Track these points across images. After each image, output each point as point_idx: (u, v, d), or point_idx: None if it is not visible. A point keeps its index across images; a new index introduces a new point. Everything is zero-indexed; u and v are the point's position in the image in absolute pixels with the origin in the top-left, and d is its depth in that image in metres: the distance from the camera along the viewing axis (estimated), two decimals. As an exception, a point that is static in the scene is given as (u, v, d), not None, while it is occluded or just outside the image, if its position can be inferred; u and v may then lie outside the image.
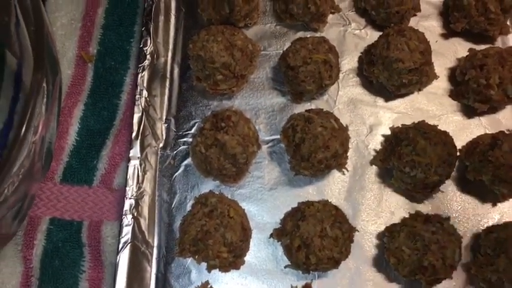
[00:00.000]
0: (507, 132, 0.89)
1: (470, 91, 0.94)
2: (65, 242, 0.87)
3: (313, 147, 0.85)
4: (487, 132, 0.95)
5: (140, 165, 0.90)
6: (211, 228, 0.81)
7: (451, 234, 0.82)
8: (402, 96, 0.98)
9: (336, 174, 0.92)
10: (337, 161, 0.88)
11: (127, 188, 0.87)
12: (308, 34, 1.01)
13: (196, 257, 0.83)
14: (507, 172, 0.85)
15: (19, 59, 0.88)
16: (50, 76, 0.76)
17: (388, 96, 0.98)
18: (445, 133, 0.88)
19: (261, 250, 0.88)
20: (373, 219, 0.90)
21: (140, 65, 0.95)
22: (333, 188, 0.92)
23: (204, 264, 0.85)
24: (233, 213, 0.83)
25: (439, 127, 0.90)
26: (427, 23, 1.03)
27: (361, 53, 1.00)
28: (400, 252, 0.82)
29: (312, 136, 0.85)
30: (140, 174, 0.89)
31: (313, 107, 0.95)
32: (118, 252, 0.83)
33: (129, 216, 0.86)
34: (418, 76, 0.93)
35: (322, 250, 0.80)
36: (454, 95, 0.98)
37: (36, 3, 0.75)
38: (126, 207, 0.86)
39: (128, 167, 0.89)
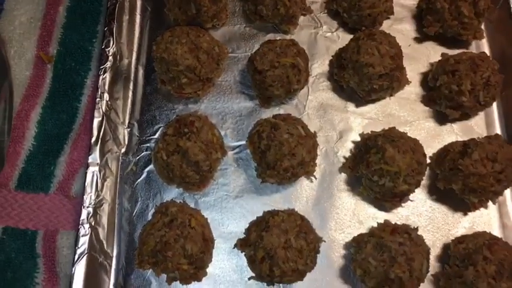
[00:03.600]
0: (478, 140, 0.87)
1: (442, 97, 0.92)
2: (18, 253, 0.83)
3: (279, 155, 0.82)
4: (459, 139, 0.93)
5: (100, 171, 0.86)
6: (171, 239, 0.78)
7: (419, 245, 0.80)
8: (373, 101, 0.95)
9: (304, 181, 0.90)
10: (304, 168, 0.85)
11: (85, 196, 0.84)
12: (278, 36, 0.98)
13: (156, 268, 0.80)
14: (477, 181, 0.83)
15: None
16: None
17: (359, 101, 0.95)
18: (415, 141, 0.86)
19: (224, 260, 0.85)
20: (341, 229, 0.88)
21: (102, 67, 0.92)
22: (301, 196, 0.89)
23: (164, 276, 0.81)
24: (194, 223, 0.80)
25: (410, 133, 0.88)
26: (401, 26, 1.01)
27: (332, 56, 0.98)
28: (366, 264, 0.80)
29: (277, 143, 0.82)
30: (99, 181, 0.85)
31: (282, 111, 0.93)
32: (73, 264, 0.80)
33: (86, 226, 0.82)
34: (388, 81, 0.90)
35: (287, 262, 0.78)
36: (426, 100, 0.96)
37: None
38: (83, 216, 0.82)
39: (86, 173, 0.85)
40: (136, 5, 1.00)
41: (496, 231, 0.88)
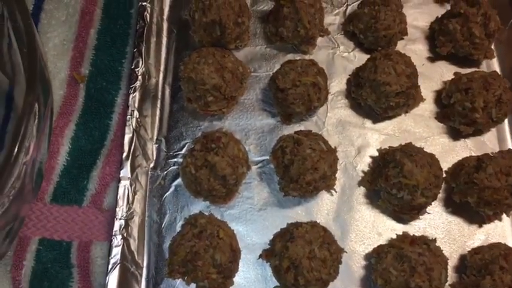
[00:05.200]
0: (492, 155, 0.90)
1: (456, 114, 0.96)
2: (54, 263, 0.87)
3: (302, 169, 0.86)
4: (473, 154, 0.97)
5: (130, 185, 0.90)
6: (201, 249, 0.81)
7: (438, 255, 0.83)
8: (390, 118, 0.99)
9: (324, 195, 0.94)
10: (326, 182, 0.89)
11: (117, 209, 0.88)
12: (298, 56, 1.03)
13: (186, 278, 0.83)
14: (492, 194, 0.86)
15: (11, 79, 0.89)
16: (42, 97, 0.77)
17: (376, 118, 0.99)
18: (431, 155, 0.89)
19: (250, 271, 0.88)
20: (361, 240, 0.91)
21: (132, 86, 0.96)
22: (322, 208, 0.93)
23: (193, 285, 0.85)
24: (222, 234, 0.83)
25: (425, 149, 0.92)
26: (414, 47, 1.06)
27: (350, 75, 1.02)
28: (387, 274, 0.83)
29: (300, 158, 0.86)
30: (130, 194, 0.89)
31: (302, 128, 0.97)
32: (107, 273, 0.83)
33: (119, 237, 0.86)
34: (404, 99, 0.95)
35: (311, 271, 0.81)
36: (440, 117, 1.00)
37: (29, 25, 0.77)
38: (116, 227, 0.86)
39: (118, 187, 0.89)
40: (163, 28, 1.05)
41: (511, 243, 0.91)
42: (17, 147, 0.69)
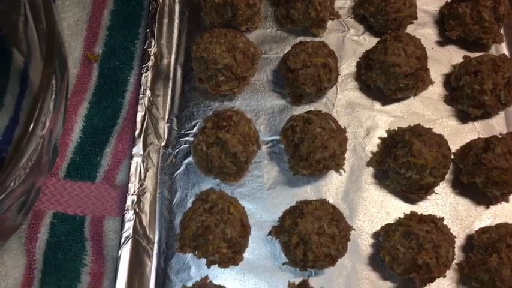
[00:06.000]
0: (500, 136, 0.91)
1: (465, 96, 0.97)
2: (68, 236, 0.89)
3: (312, 147, 0.87)
4: (481, 136, 0.97)
5: (143, 162, 0.92)
6: (212, 223, 0.83)
7: (445, 233, 0.84)
8: (399, 100, 1.00)
9: (333, 174, 0.95)
10: (335, 161, 0.90)
11: (129, 185, 0.89)
12: (308, 39, 1.03)
13: (197, 252, 0.85)
14: (499, 175, 0.87)
15: (26, 57, 0.90)
16: (59, 73, 0.79)
17: (385, 100, 1.00)
18: (440, 135, 0.90)
19: (259, 247, 0.90)
20: (369, 219, 0.92)
21: (144, 66, 0.98)
22: (331, 188, 0.94)
23: (203, 260, 0.86)
24: (233, 209, 0.85)
25: (434, 131, 0.92)
26: (424, 31, 1.06)
27: (359, 58, 1.03)
28: (395, 251, 0.84)
29: (310, 136, 0.87)
30: (142, 171, 0.91)
31: (312, 109, 0.98)
32: (120, 247, 0.85)
33: (131, 212, 0.88)
34: (414, 81, 0.95)
35: (320, 247, 0.82)
36: (449, 100, 1.01)
37: (47, 0, 0.78)
38: (128, 202, 0.88)
39: (130, 164, 0.91)
40: (175, 9, 1.06)
41: (518, 223, 0.92)
42: (34, 120, 0.70)
